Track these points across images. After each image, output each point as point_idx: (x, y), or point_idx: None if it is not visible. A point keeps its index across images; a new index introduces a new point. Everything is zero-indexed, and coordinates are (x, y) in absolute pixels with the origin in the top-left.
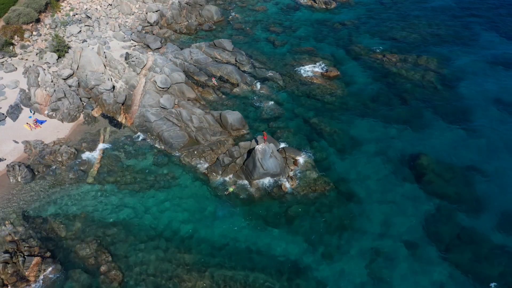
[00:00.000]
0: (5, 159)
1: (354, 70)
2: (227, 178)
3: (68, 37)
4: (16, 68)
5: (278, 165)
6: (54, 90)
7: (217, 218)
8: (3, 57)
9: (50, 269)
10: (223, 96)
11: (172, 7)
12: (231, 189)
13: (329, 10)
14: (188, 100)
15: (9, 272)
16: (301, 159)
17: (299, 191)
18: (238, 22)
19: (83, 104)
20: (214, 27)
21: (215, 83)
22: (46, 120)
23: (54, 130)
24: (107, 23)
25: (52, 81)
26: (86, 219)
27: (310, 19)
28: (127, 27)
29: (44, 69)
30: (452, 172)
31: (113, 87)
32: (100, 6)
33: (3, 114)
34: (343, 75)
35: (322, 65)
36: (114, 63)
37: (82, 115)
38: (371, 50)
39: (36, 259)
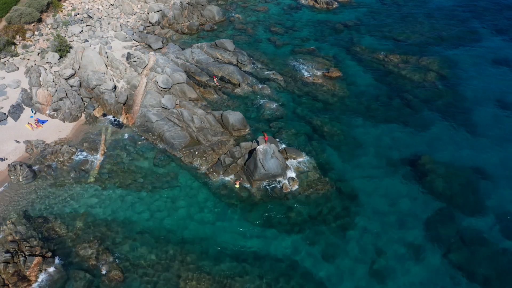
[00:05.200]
0: (6, 159)
1: (356, 70)
2: (228, 179)
3: (69, 37)
4: (18, 67)
5: (279, 165)
6: (56, 90)
7: (218, 218)
8: (5, 57)
9: (51, 269)
10: (225, 97)
11: (174, 7)
12: (237, 186)
13: (331, 11)
14: (189, 100)
15: (10, 271)
16: (302, 159)
17: (300, 192)
18: (240, 22)
19: (84, 104)
20: (215, 27)
21: (217, 83)
22: (47, 120)
23: (56, 130)
24: (108, 23)
25: (53, 81)
26: (87, 219)
27: (312, 20)
28: (129, 27)
29: (46, 69)
30: (454, 173)
31: (115, 87)
32: (102, 6)
33: (4, 113)
34: (345, 75)
35: (324, 66)
36: (116, 63)
37: (83, 115)
38: (373, 50)
39: (37, 259)
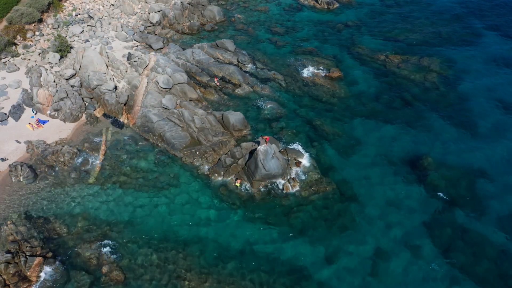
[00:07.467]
0: (7, 159)
1: (357, 71)
2: (228, 179)
3: (70, 37)
4: (19, 68)
5: (280, 166)
6: (57, 90)
7: (219, 219)
8: (5, 57)
9: (51, 269)
10: (225, 97)
11: (175, 7)
12: (238, 184)
13: (332, 11)
14: (190, 100)
15: (11, 272)
16: (303, 160)
17: (301, 192)
18: (240, 22)
19: (85, 104)
20: (216, 27)
21: (217, 84)
22: (48, 120)
23: (56, 130)
24: (109, 23)
25: (54, 81)
26: (88, 219)
27: (313, 20)
28: (129, 27)
29: (47, 69)
30: (455, 174)
31: (115, 87)
32: (103, 6)
33: (5, 114)
34: (345, 76)
35: (325, 66)
36: (116, 63)
37: (84, 115)
38: (374, 51)
39: (38, 259)
